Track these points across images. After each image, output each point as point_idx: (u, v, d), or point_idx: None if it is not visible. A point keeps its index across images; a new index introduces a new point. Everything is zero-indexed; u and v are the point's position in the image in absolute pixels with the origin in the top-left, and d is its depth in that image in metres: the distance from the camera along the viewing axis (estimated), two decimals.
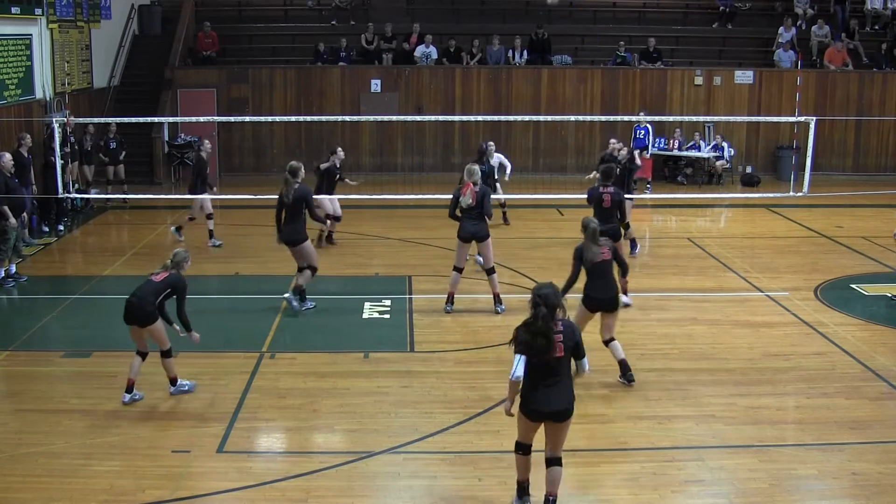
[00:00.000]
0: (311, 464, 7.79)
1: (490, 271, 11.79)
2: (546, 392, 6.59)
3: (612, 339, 9.43)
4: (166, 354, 9.05)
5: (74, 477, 7.51)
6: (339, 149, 15.14)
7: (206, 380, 9.57)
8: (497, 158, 16.45)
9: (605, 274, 9.37)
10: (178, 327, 9.13)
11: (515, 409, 6.76)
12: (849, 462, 7.84)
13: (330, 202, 14.74)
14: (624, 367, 9.40)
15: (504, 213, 17.04)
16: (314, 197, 12.45)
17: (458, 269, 11.84)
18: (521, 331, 6.58)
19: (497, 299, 11.83)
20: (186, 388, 9.20)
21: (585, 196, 12.21)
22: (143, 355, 9.05)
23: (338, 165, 14.83)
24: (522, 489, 7.02)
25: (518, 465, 6.97)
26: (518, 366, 6.53)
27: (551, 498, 6.84)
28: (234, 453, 8.00)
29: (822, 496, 7.46)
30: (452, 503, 7.19)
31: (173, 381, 9.15)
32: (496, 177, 16.23)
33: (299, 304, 11.76)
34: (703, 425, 8.60)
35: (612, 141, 15.86)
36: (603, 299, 9.34)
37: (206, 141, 15.67)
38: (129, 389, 8.97)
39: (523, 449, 6.92)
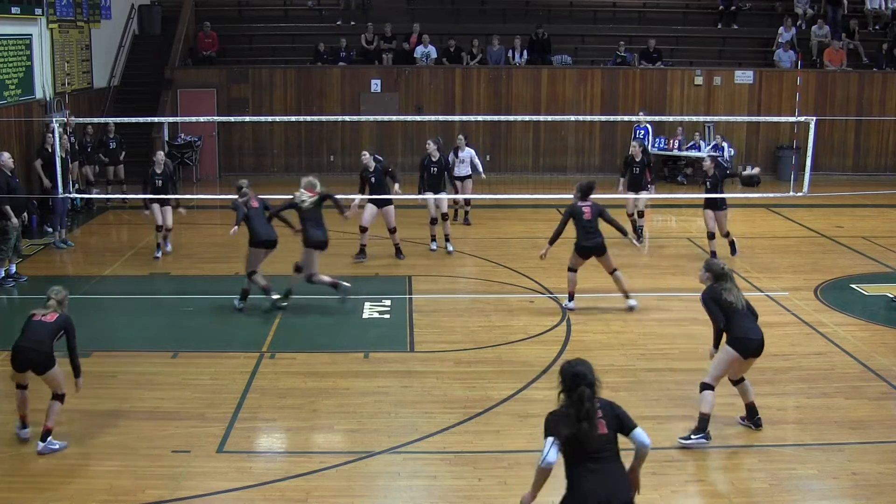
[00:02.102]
0: (311, 464, 7.79)
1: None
2: (599, 479, 5.42)
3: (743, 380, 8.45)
4: (61, 399, 8.07)
5: (74, 477, 7.52)
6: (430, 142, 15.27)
7: (206, 380, 9.57)
8: (468, 153, 16.41)
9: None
10: (79, 381, 8.25)
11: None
12: (849, 462, 7.84)
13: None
14: (751, 411, 8.45)
15: (466, 213, 17.05)
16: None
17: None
18: (557, 420, 5.54)
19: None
20: (56, 447, 7.94)
21: (564, 214, 11.67)
22: (25, 387, 8.11)
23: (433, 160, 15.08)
24: None
25: None
26: (550, 451, 5.44)
27: None
28: (234, 453, 8.00)
29: (822, 496, 7.45)
30: (452, 503, 7.19)
31: (46, 434, 7.91)
32: (462, 173, 16.26)
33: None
34: None
35: (634, 143, 15.87)
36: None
37: (159, 152, 15.15)
38: (24, 425, 8.08)
39: None
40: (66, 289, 8.49)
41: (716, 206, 14.16)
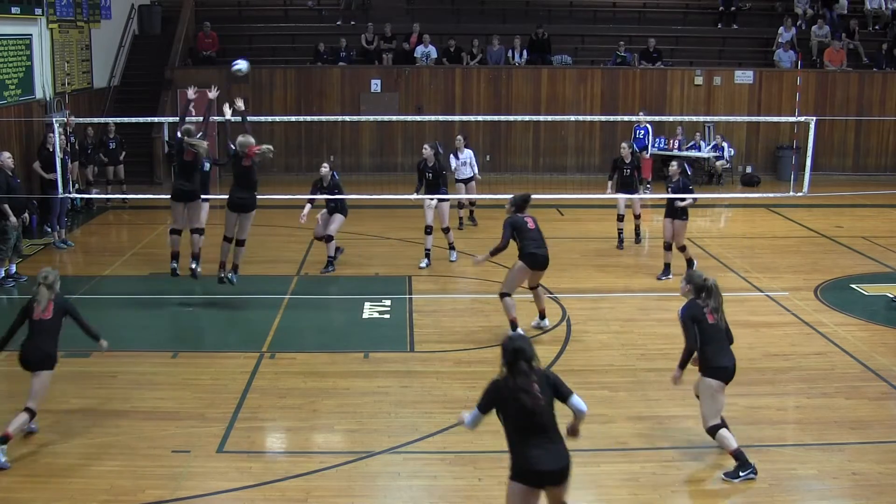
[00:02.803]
0: (311, 464, 7.79)
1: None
2: (542, 451, 5.79)
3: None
4: (32, 413, 7.96)
5: (74, 477, 7.52)
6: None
7: (206, 380, 9.57)
8: (468, 154, 16.16)
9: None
10: (104, 343, 8.54)
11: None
12: (849, 462, 7.84)
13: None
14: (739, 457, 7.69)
15: (471, 213, 17.01)
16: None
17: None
18: (490, 389, 5.93)
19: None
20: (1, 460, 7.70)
21: (505, 228, 10.74)
22: (32, 414, 8.01)
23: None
24: None
25: None
26: (470, 419, 6.00)
27: None
28: (234, 453, 8.00)
29: (822, 496, 7.45)
30: (452, 503, 7.19)
31: (3, 440, 7.71)
32: (465, 175, 16.09)
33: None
34: None
35: (624, 145, 15.64)
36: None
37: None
38: (4, 441, 7.73)
39: None
40: (55, 269, 8.38)
41: (675, 214, 13.18)
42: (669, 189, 13.31)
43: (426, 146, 14.23)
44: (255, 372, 9.82)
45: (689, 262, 13.12)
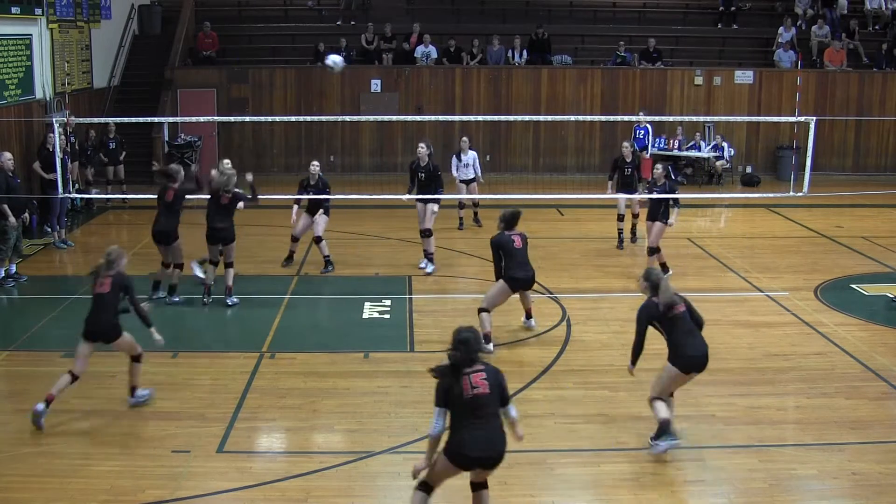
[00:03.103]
0: (311, 464, 7.79)
1: None
2: (477, 434, 6.16)
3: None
4: (137, 359, 8.84)
5: (74, 477, 7.52)
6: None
7: (206, 380, 9.57)
8: (471, 156, 16.05)
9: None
10: (157, 336, 8.86)
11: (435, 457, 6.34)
12: (849, 462, 7.84)
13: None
14: None
15: (475, 214, 16.94)
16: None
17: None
18: (438, 382, 6.25)
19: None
20: (146, 394, 8.94)
21: (492, 248, 10.75)
22: (75, 378, 8.58)
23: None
24: None
25: (415, 501, 6.47)
26: (437, 421, 6.21)
27: None
28: (234, 453, 8.00)
29: (822, 496, 7.45)
30: (452, 503, 7.19)
31: (133, 390, 8.88)
32: (468, 176, 16.00)
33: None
34: (703, 425, 8.60)
35: (625, 144, 15.58)
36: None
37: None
38: (48, 404, 8.39)
39: (428, 490, 6.46)
40: (121, 248, 8.95)
41: (656, 217, 13.12)
42: (655, 191, 13.25)
43: (422, 145, 13.82)
44: (255, 372, 9.82)
45: (664, 268, 12.85)
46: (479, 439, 6.16)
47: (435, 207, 13.60)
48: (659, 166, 13.36)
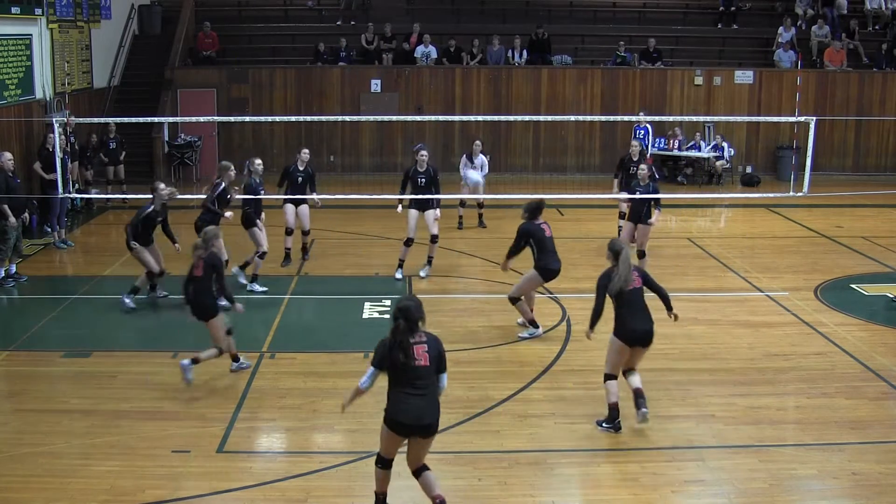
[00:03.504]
0: (311, 464, 7.79)
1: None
2: (414, 402, 6.46)
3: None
4: (219, 350, 9.51)
5: (74, 477, 7.51)
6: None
7: (206, 380, 9.56)
8: (481, 160, 16.07)
9: None
10: (239, 306, 9.69)
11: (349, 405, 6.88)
12: (849, 462, 7.84)
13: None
14: None
15: (480, 216, 16.93)
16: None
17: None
18: (379, 345, 6.58)
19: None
20: (245, 365, 9.83)
21: (520, 236, 10.78)
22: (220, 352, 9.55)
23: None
24: (380, 501, 6.90)
25: (377, 477, 6.83)
26: (367, 378, 6.61)
27: (439, 500, 6.67)
28: (234, 453, 8.00)
29: (822, 496, 7.45)
30: (452, 503, 7.18)
31: (235, 358, 9.76)
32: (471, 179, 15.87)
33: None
34: (703, 425, 8.60)
35: (634, 143, 15.59)
36: None
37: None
38: (236, 359, 9.73)
39: (384, 463, 6.78)
40: (217, 229, 9.86)
41: (640, 218, 13.16)
42: (638, 192, 13.24)
43: (422, 150, 13.19)
44: (255, 372, 9.82)
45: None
46: (413, 407, 6.44)
47: (438, 212, 13.29)
48: (643, 167, 13.37)
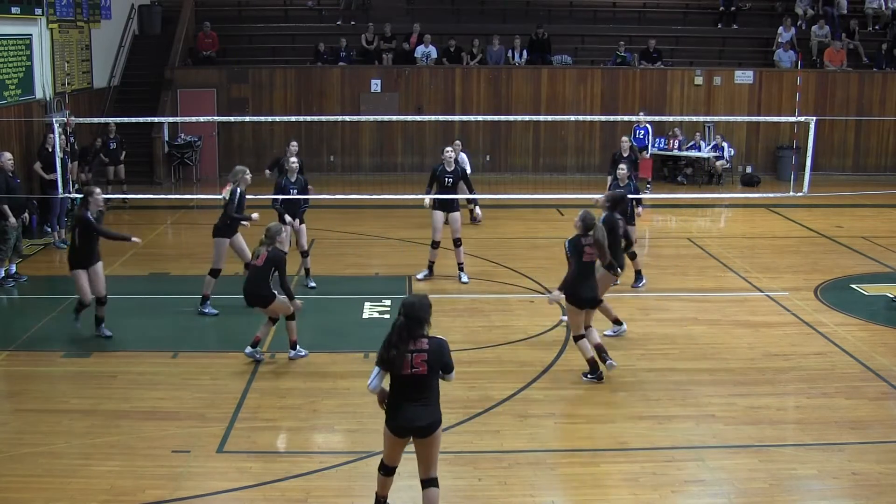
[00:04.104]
0: (311, 464, 7.79)
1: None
2: (411, 408, 6.40)
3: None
4: (291, 318, 9.98)
5: (74, 477, 7.51)
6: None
7: (206, 380, 9.57)
8: (462, 158, 15.80)
9: None
10: (298, 303, 9.96)
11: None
12: (849, 462, 7.84)
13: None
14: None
15: (471, 212, 16.40)
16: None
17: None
18: (385, 348, 6.45)
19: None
20: (303, 354, 10.14)
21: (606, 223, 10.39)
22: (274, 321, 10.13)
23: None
24: (379, 501, 6.86)
25: (378, 480, 6.80)
26: (374, 378, 6.49)
27: None
28: (234, 453, 8.00)
29: (822, 496, 7.45)
30: (452, 503, 7.19)
31: (294, 345, 10.10)
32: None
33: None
34: (703, 425, 8.60)
35: (624, 139, 15.62)
36: None
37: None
38: (254, 344, 10.00)
39: (385, 470, 6.73)
40: (280, 225, 10.20)
41: (625, 217, 12.88)
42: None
43: (453, 145, 13.33)
44: (255, 372, 9.82)
45: (638, 276, 13.00)
46: (411, 410, 6.41)
47: (459, 215, 12.98)
48: (623, 166, 13.22)
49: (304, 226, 12.90)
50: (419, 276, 13.35)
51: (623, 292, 12.72)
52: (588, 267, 9.38)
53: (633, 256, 12.87)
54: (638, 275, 12.98)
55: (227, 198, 11.71)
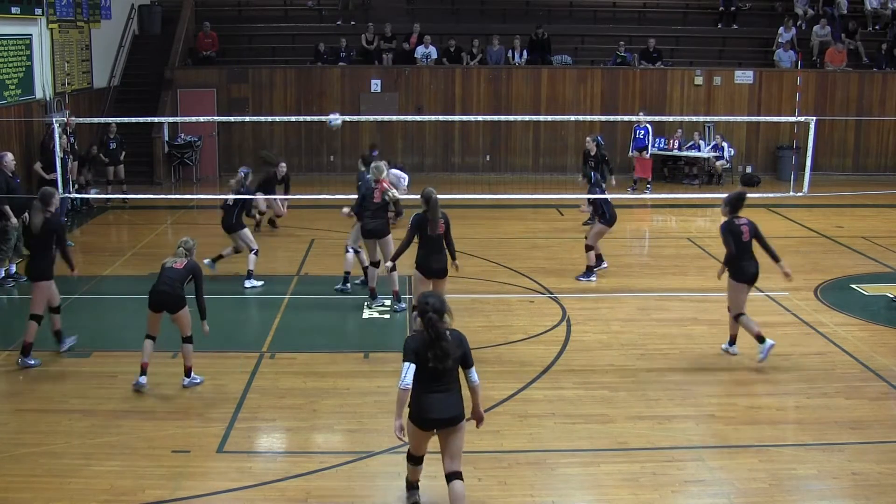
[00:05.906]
0: (311, 464, 7.79)
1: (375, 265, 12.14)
2: (436, 399, 6.48)
3: None
4: (188, 340, 9.34)
5: (74, 477, 7.51)
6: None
7: (206, 380, 9.56)
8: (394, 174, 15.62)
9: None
10: (206, 327, 9.36)
11: (405, 420, 6.59)
12: (849, 462, 7.84)
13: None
14: None
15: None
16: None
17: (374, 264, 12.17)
18: (412, 340, 6.53)
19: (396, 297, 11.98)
20: (198, 381, 9.41)
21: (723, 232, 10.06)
22: (154, 339, 9.33)
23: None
24: (412, 485, 7.12)
25: (408, 468, 7.03)
26: (407, 374, 6.42)
27: None
28: (234, 453, 8.00)
29: (822, 496, 7.45)
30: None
31: (188, 372, 9.38)
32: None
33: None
34: (703, 425, 8.60)
35: (588, 139, 16.00)
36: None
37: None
38: (143, 373, 9.19)
39: (414, 460, 6.91)
40: (193, 239, 9.65)
41: (592, 217, 13.63)
42: (596, 192, 13.29)
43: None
44: (255, 372, 9.82)
45: (599, 258, 13.43)
46: (436, 401, 6.48)
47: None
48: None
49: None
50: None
51: (624, 292, 12.74)
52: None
53: (587, 248, 13.18)
54: (588, 270, 13.27)
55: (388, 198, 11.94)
